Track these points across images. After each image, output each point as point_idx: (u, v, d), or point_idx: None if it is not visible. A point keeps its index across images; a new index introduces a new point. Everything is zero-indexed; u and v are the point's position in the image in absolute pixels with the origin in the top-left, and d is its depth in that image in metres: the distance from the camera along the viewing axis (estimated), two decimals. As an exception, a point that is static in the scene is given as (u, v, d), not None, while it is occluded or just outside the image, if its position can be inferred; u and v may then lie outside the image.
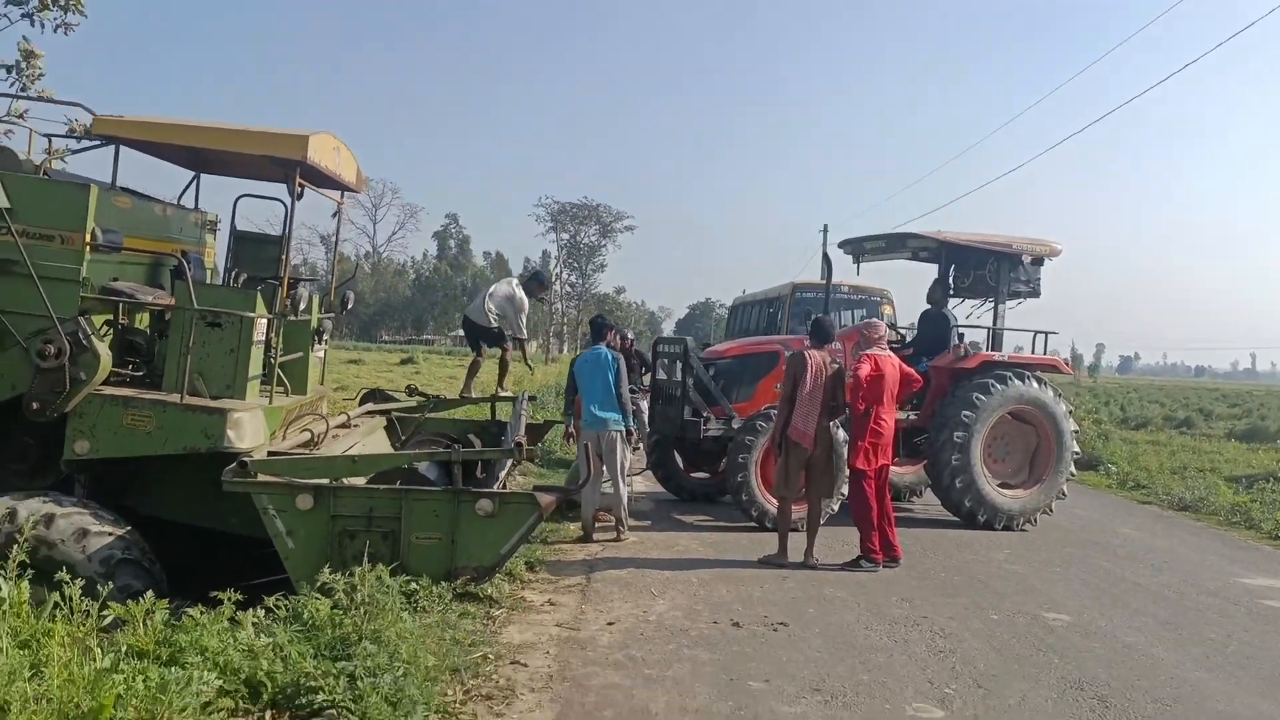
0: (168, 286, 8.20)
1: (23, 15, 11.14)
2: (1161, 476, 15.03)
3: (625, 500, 8.50)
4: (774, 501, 8.57)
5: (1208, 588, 7.86)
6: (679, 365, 10.20)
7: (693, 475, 11.10)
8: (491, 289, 11.59)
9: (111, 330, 7.41)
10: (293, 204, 7.72)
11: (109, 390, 6.68)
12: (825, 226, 40.38)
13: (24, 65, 10.77)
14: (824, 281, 11.55)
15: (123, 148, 7.54)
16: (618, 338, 12.22)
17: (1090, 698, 5.02)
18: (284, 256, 7.83)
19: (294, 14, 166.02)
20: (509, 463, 7.66)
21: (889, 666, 5.37)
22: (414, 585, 5.80)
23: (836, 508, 8.80)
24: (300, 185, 7.72)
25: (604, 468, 8.39)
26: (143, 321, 8.11)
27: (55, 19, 11.15)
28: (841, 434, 8.21)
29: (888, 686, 5.04)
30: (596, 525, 8.57)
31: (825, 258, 10.62)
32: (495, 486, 7.01)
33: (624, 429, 8.39)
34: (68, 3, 11.05)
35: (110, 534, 6.26)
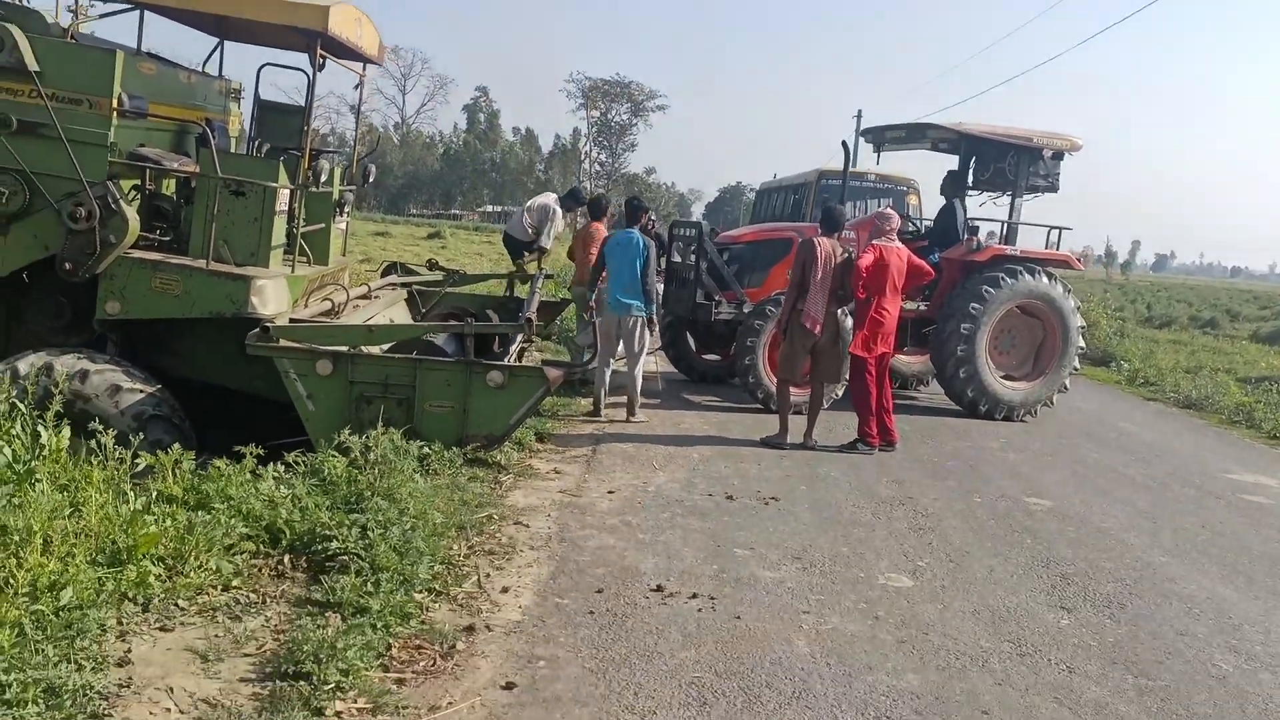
0: (193, 154, 8.38)
1: None
2: (1173, 375, 15.15)
3: (639, 384, 8.70)
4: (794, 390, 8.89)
5: (1193, 481, 8.13)
6: (693, 249, 10.35)
7: (704, 357, 11.37)
8: (529, 203, 11.81)
9: (139, 195, 7.62)
10: (314, 75, 7.80)
11: (138, 254, 6.93)
12: (859, 112, 39.59)
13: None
14: (845, 165, 11.53)
15: (148, 13, 7.62)
16: (650, 221, 12.39)
17: (1054, 574, 5.34)
18: (306, 128, 7.95)
19: None
20: (519, 337, 7.90)
21: (869, 540, 5.70)
22: (426, 449, 6.13)
23: (841, 393, 9.05)
24: (322, 56, 7.80)
25: (620, 348, 8.61)
26: (169, 188, 8.30)
27: None
28: (849, 322, 8.40)
29: (864, 558, 5.37)
30: (607, 403, 8.87)
31: (845, 146, 10.61)
32: (507, 360, 7.29)
33: (645, 316, 8.52)
34: None
35: (141, 390, 6.61)
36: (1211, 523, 6.81)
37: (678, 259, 10.86)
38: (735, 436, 8.31)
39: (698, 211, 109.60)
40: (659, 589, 4.63)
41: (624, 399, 8.80)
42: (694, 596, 4.58)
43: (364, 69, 9.29)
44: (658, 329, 11.39)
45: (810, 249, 7.99)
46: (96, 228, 6.65)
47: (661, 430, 8.35)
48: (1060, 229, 10.86)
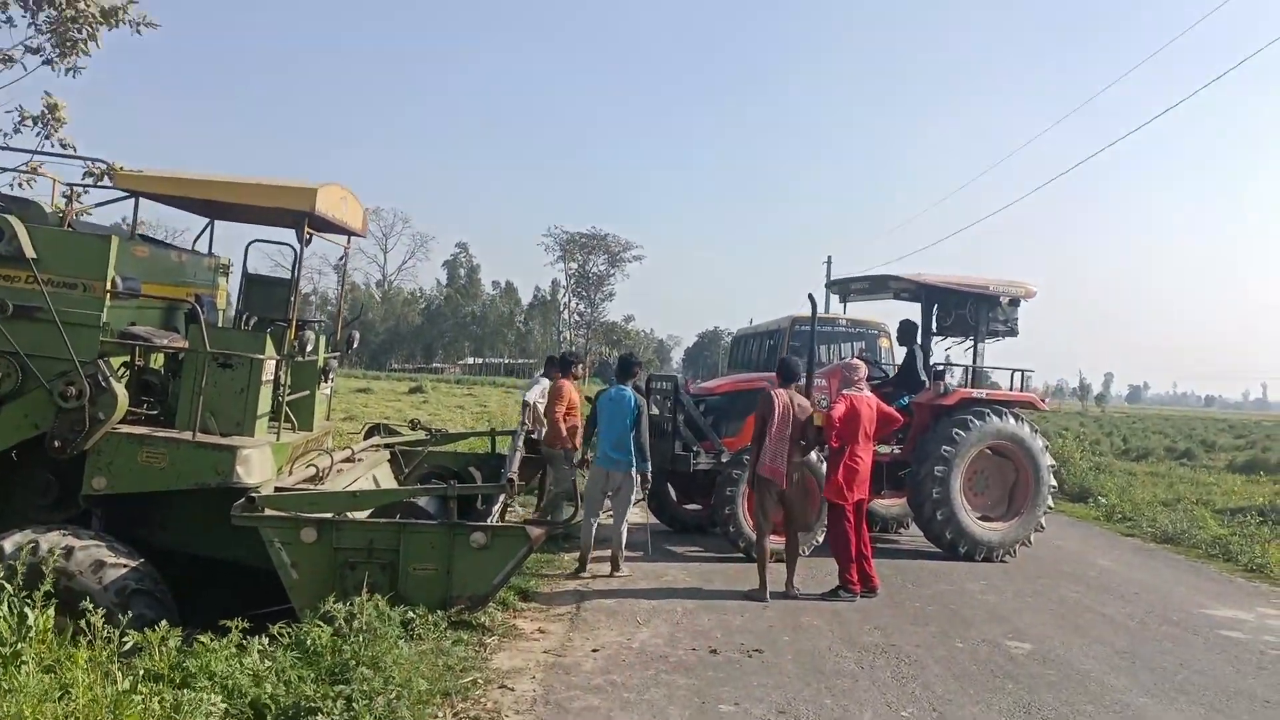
0: (182, 329, 8.68)
1: (43, 62, 11.61)
2: (1150, 508, 15.32)
3: (624, 539, 8.76)
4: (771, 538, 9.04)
5: (1171, 618, 8.20)
6: (670, 401, 10.61)
7: (685, 507, 11.49)
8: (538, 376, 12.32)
9: (128, 371, 7.86)
10: (301, 251, 8.18)
11: (126, 429, 7.10)
12: (829, 258, 40.86)
13: (49, 117, 11.27)
14: (813, 317, 11.92)
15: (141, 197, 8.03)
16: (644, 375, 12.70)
17: (1036, 720, 5.39)
18: (293, 300, 8.28)
19: (297, 39, 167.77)
20: (502, 496, 8.03)
21: (853, 691, 5.74)
22: (411, 614, 6.18)
23: (822, 539, 9.17)
24: (308, 233, 8.20)
25: (607, 503, 8.73)
26: (157, 362, 8.55)
27: (70, 64, 11.60)
28: (823, 468, 8.58)
29: (848, 710, 5.41)
30: (591, 559, 8.91)
31: (810, 298, 11.08)
32: (490, 519, 7.41)
33: (639, 471, 8.64)
34: (78, 46, 11.47)
35: (125, 565, 6.65)
36: (1189, 661, 6.87)
37: (655, 411, 11.08)
38: (718, 587, 8.38)
39: (677, 357, 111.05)
40: (644, 751, 4.66)
41: (608, 552, 8.87)
42: (679, 757, 4.60)
43: (348, 241, 9.73)
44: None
45: (768, 401, 8.23)
46: (86, 405, 6.83)
47: (645, 583, 8.41)
48: (1024, 371, 11.24)
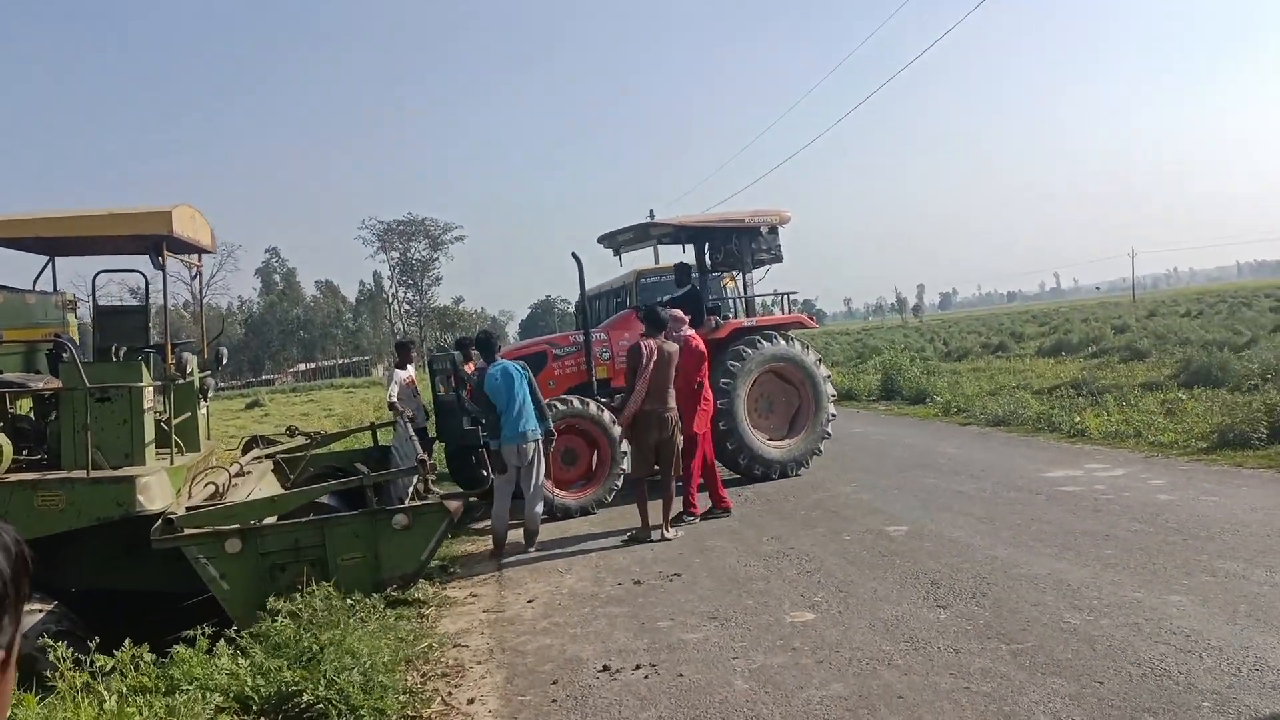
0: (44, 370, 8.54)
1: None
2: (979, 399, 16.87)
3: (539, 511, 8.72)
4: (559, 494, 9.74)
5: (1016, 485, 9.35)
6: (452, 379, 10.69)
7: (487, 475, 11.39)
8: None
9: (1, 419, 7.72)
10: (164, 275, 8.18)
11: (14, 476, 7.05)
12: (651, 212, 41.68)
13: None
14: (580, 273, 11.29)
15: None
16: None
17: (925, 583, 6.24)
18: (165, 323, 8.29)
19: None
20: (415, 478, 8.24)
21: (767, 590, 6.45)
22: (349, 600, 6.49)
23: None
24: (165, 256, 8.21)
25: (520, 480, 8.60)
26: (24, 407, 8.40)
27: None
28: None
29: (768, 605, 6.11)
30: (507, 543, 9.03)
31: (575, 257, 11.04)
32: (404, 502, 7.73)
33: (543, 435, 8.65)
34: None
35: (40, 610, 6.66)
36: (1038, 516, 7.94)
37: (440, 390, 11.14)
38: (620, 527, 8.94)
39: (512, 332, 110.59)
40: (605, 669, 5.22)
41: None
42: (637, 668, 5.18)
43: (199, 259, 9.70)
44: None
45: (635, 353, 8.63)
46: (-31, 461, 6.76)
47: (550, 538, 8.89)
48: (788, 294, 12.18)
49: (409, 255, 77.75)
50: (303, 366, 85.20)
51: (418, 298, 78.98)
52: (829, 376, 11.64)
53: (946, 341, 43.59)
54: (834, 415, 11.49)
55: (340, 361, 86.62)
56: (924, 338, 50.82)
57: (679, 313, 9.43)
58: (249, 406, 40.60)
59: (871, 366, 27.37)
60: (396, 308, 78.47)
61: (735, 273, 12.10)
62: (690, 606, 6.26)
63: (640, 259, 15.03)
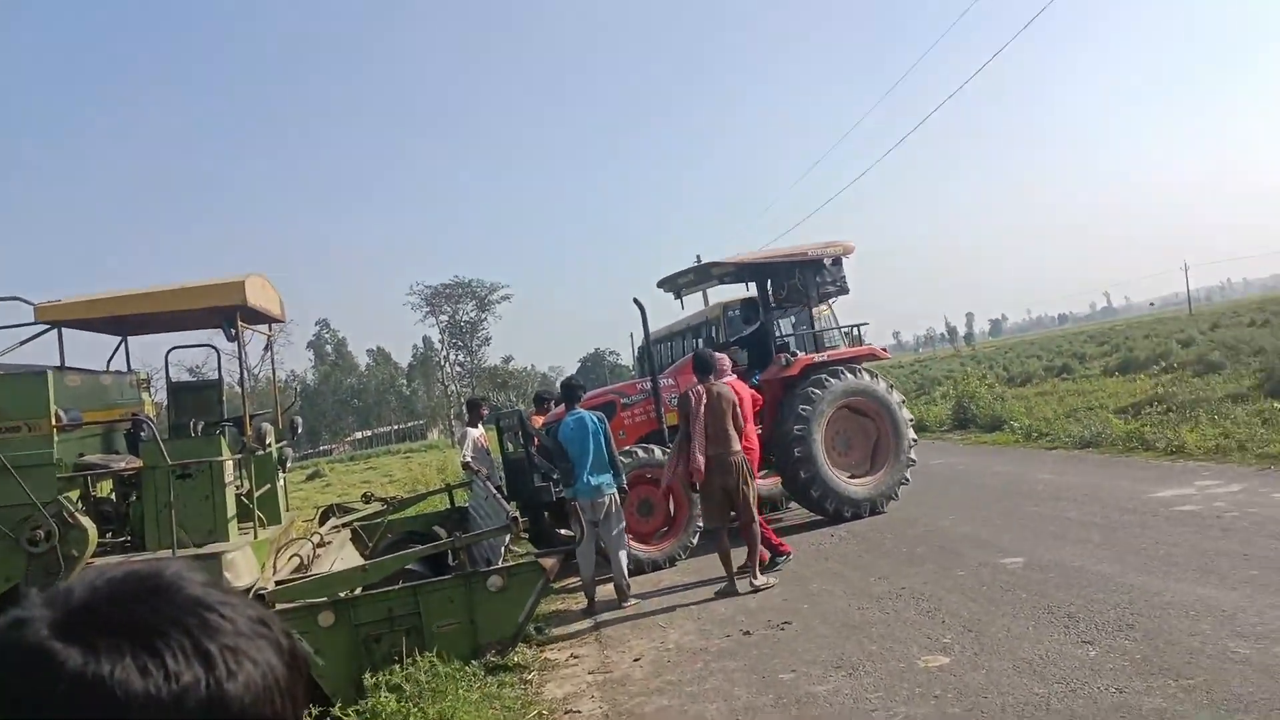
0: (123, 451, 8.46)
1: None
2: (1059, 422, 16.30)
3: (625, 566, 8.44)
4: (640, 548, 9.37)
5: (1127, 508, 8.87)
6: (519, 435, 10.30)
7: (560, 532, 10.56)
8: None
9: (84, 503, 7.63)
10: (240, 346, 8.10)
11: (100, 561, 6.92)
12: (698, 257, 41.56)
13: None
14: (644, 320, 11.05)
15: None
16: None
17: (1061, 617, 5.83)
18: (244, 395, 8.19)
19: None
20: (507, 538, 7.96)
21: (889, 634, 6.07)
22: (448, 669, 6.22)
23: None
24: (239, 327, 8.13)
25: (600, 534, 8.37)
26: (105, 489, 8.32)
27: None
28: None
29: (895, 650, 5.73)
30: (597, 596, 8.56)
31: (638, 303, 10.74)
32: (499, 563, 7.47)
33: (618, 490, 8.38)
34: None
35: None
36: (1162, 538, 7.47)
37: (509, 447, 10.79)
38: (711, 576, 8.58)
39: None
40: (735, 729, 4.87)
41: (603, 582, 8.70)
42: (769, 726, 4.83)
43: (271, 329, 9.65)
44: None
45: (685, 400, 8.33)
46: (57, 545, 6.65)
47: (642, 591, 8.56)
48: (856, 326, 11.83)
49: (457, 317, 78.34)
50: (359, 435, 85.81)
51: (468, 359, 79.40)
52: (904, 402, 11.25)
53: (1006, 367, 42.64)
54: (915, 440, 11.07)
55: (396, 427, 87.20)
56: (982, 365, 49.83)
57: (725, 359, 9.11)
58: (310, 478, 40.74)
59: (940, 396, 26.78)
60: (449, 370, 78.90)
61: (802, 307, 11.76)
62: (810, 656, 5.90)
63: (723, 293, 14.42)
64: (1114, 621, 5.58)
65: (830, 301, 12.27)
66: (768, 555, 8.42)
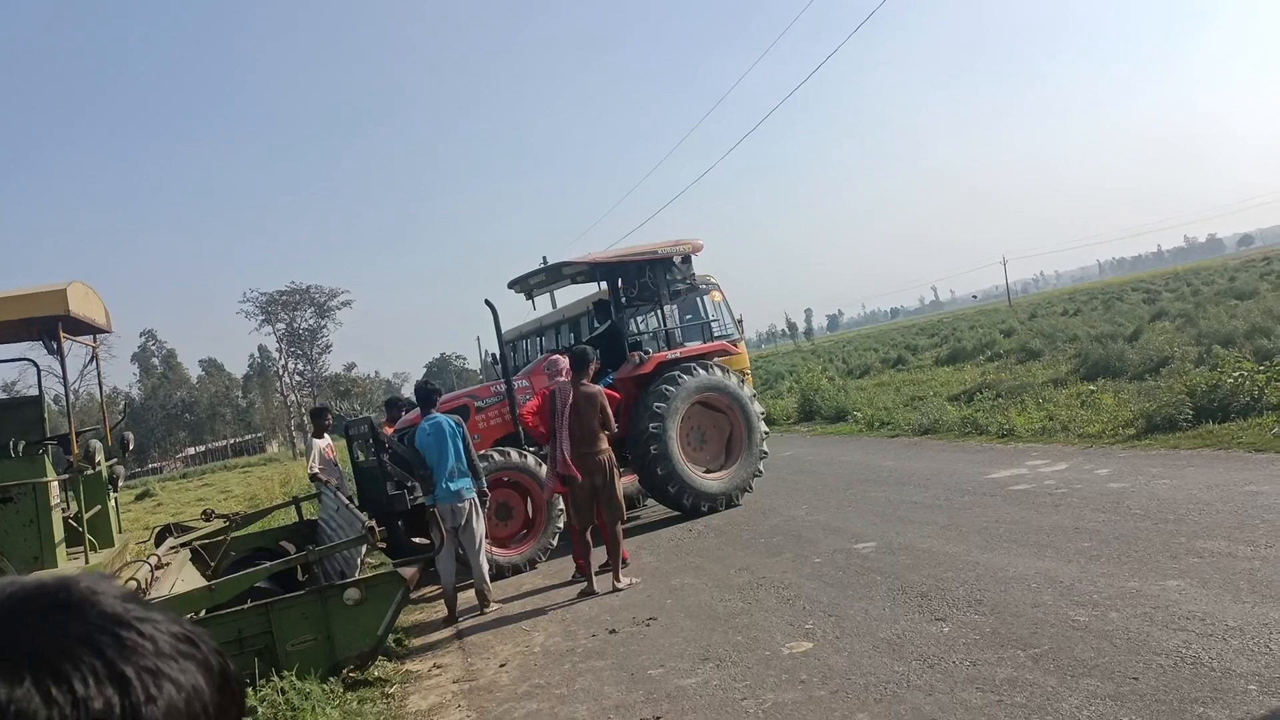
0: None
1: None
2: (899, 411, 17.04)
3: (486, 571, 8.28)
4: (499, 553, 9.26)
5: (967, 489, 9.33)
6: (370, 443, 10.02)
7: (414, 540, 10.82)
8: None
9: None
10: (62, 359, 7.56)
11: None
12: (544, 259, 41.36)
13: None
14: (496, 322, 11.00)
15: None
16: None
17: (914, 596, 6.07)
18: (69, 411, 7.66)
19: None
20: (364, 548, 7.68)
21: (753, 624, 6.18)
22: (306, 687, 5.96)
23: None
24: (62, 338, 7.60)
25: (461, 541, 8.18)
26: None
27: None
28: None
29: (759, 640, 5.83)
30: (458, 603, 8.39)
31: (489, 304, 10.73)
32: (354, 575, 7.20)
33: (478, 494, 8.23)
34: None
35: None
36: (1000, 517, 7.89)
37: (360, 456, 10.53)
38: (570, 578, 8.55)
39: (408, 393, 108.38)
40: (607, 728, 4.85)
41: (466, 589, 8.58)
42: (641, 723, 4.83)
43: (96, 339, 9.05)
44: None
45: (550, 398, 8.29)
46: None
47: (504, 596, 8.45)
48: (706, 323, 12.13)
49: (295, 325, 75.43)
50: (191, 450, 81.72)
51: (308, 367, 76.56)
52: (755, 395, 11.47)
53: (845, 360, 44.31)
54: (767, 433, 11.29)
55: (232, 441, 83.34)
56: (821, 359, 51.59)
57: (564, 362, 8.89)
58: (140, 497, 38.47)
59: (786, 390, 27.55)
60: (288, 379, 75.89)
61: (653, 305, 11.82)
62: (677, 650, 5.93)
63: (585, 290, 14.23)
64: (964, 598, 5.84)
65: (712, 293, 12.50)
66: (628, 554, 8.41)
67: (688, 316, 13.06)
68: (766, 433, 11.26)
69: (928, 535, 7.70)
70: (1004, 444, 12.02)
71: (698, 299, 16.18)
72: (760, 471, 11.05)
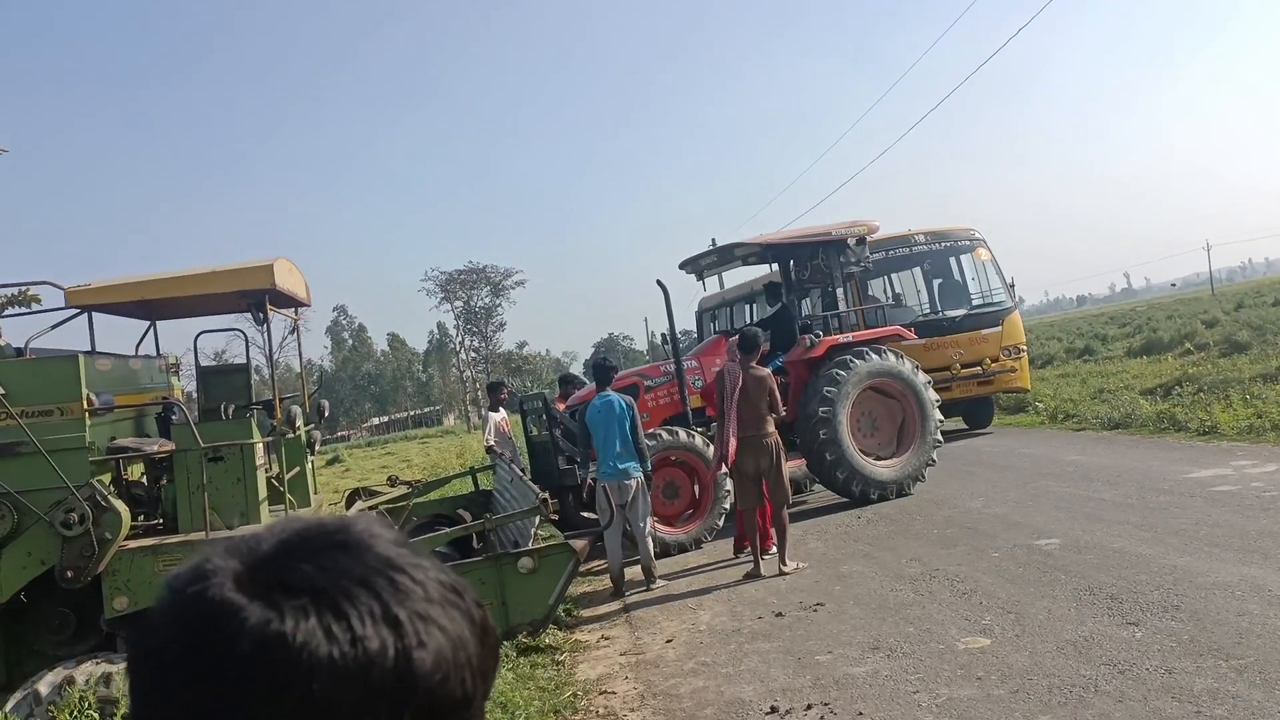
0: (154, 434, 8.47)
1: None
2: (1085, 403, 16.15)
3: (651, 548, 8.37)
4: (665, 530, 9.28)
5: (1163, 489, 8.75)
6: (544, 419, 10.41)
7: (584, 515, 10.63)
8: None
9: (116, 487, 7.65)
10: (268, 329, 8.08)
11: (134, 543, 6.94)
12: (713, 240, 41.34)
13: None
14: (667, 302, 11.10)
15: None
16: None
17: (1103, 598, 5.74)
18: (273, 378, 8.20)
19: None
20: (537, 519, 7.89)
21: (926, 616, 6.01)
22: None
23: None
24: (268, 311, 8.12)
25: (626, 518, 8.25)
26: (135, 473, 8.33)
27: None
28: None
29: (933, 632, 5.67)
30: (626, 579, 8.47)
31: (660, 284, 10.76)
32: (527, 545, 7.44)
33: (644, 476, 8.26)
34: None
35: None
36: (1202, 519, 7.36)
37: (534, 430, 10.80)
38: (744, 560, 8.52)
39: (577, 371, 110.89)
40: (774, 710, 4.83)
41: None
42: (809, 708, 4.78)
43: (297, 313, 9.63)
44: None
45: (720, 379, 8.23)
46: (90, 529, 6.65)
47: (669, 573, 8.51)
48: (881, 307, 11.68)
49: (472, 303, 78.32)
50: (376, 421, 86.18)
51: (483, 345, 79.40)
52: (930, 382, 11.12)
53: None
54: (942, 421, 10.95)
55: (412, 413, 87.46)
56: (1001, 348, 49.46)
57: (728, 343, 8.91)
58: (330, 463, 40.93)
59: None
60: (464, 356, 78.98)
61: (827, 287, 11.61)
62: (846, 637, 5.84)
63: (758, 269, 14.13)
64: (1158, 603, 5.49)
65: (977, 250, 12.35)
66: (773, 541, 8.22)
67: (938, 281, 12.75)
68: (941, 420, 10.91)
69: (1118, 535, 7.27)
70: (1205, 442, 11.21)
71: (951, 259, 15.66)
72: (934, 460, 10.72)
